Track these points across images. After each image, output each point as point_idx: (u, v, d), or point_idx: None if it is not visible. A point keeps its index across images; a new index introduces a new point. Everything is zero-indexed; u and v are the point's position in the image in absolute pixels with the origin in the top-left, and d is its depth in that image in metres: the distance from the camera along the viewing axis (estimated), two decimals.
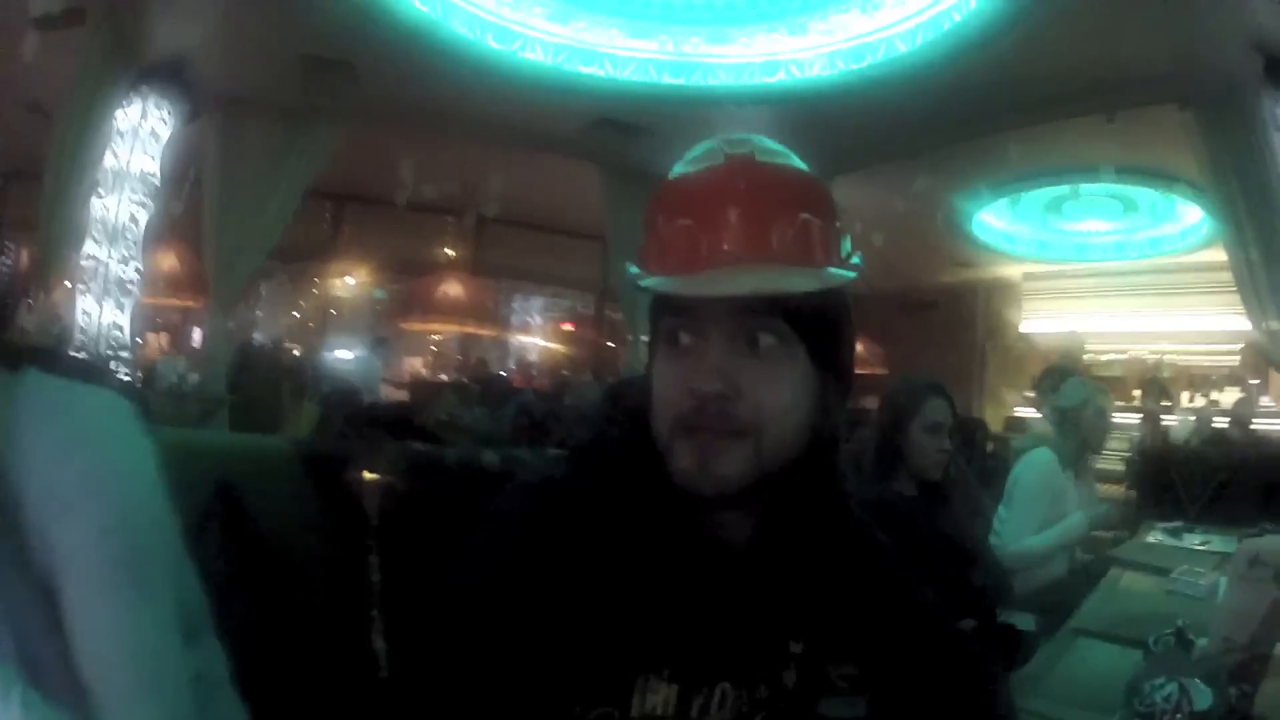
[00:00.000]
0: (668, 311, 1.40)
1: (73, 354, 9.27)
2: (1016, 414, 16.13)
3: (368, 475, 2.17)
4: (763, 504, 1.41)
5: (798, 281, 1.32)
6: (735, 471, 1.33)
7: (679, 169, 1.43)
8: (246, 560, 1.93)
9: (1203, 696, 1.88)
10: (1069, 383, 5.51)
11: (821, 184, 1.44)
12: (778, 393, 1.35)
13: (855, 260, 1.41)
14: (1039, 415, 7.98)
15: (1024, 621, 3.68)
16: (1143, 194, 13.82)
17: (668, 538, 1.38)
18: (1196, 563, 3.96)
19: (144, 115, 10.16)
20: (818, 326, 1.39)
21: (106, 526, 1.34)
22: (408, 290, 17.00)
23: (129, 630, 1.36)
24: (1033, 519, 4.81)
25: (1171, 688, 1.88)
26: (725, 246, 1.31)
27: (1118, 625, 3.00)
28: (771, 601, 1.42)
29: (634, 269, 1.41)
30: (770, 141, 1.42)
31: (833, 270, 1.36)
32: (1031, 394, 16.51)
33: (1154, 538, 5.09)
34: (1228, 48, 8.25)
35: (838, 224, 1.41)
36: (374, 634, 2.10)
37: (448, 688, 1.31)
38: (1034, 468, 4.96)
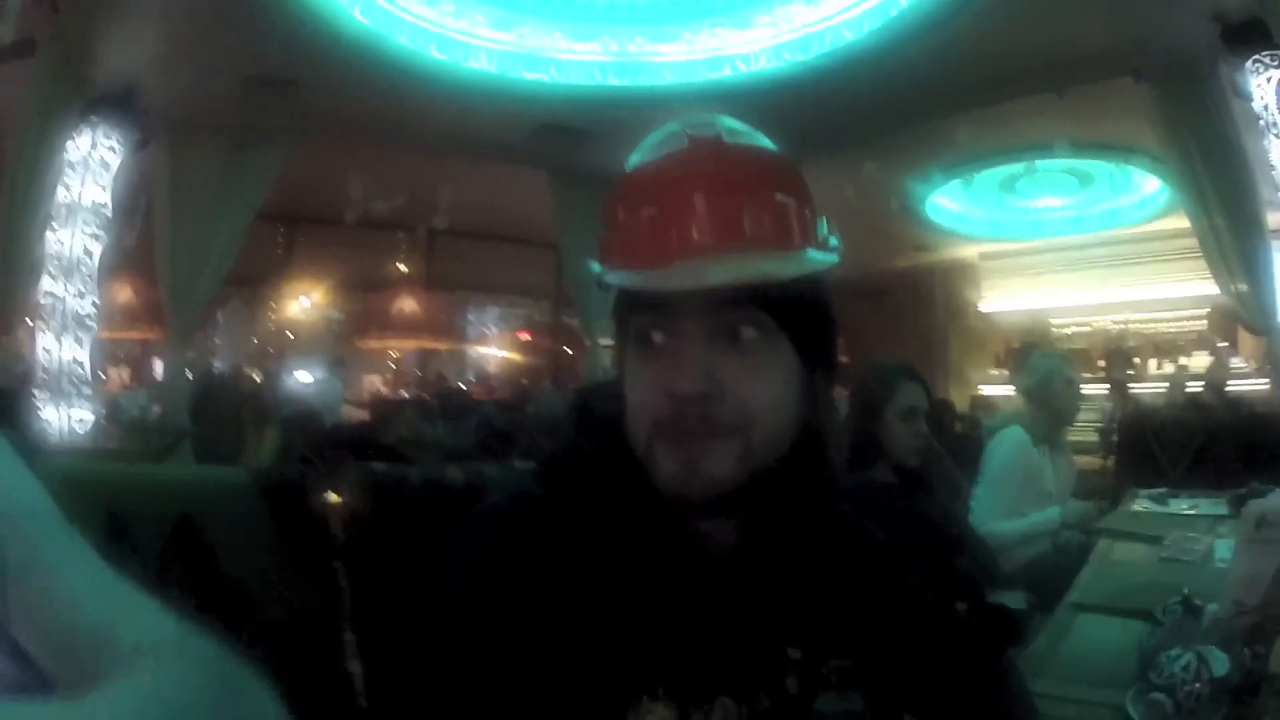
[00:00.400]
0: (637, 309, 1.30)
1: None
2: (982, 393, 16.24)
3: (331, 499, 2.10)
4: (748, 507, 1.30)
5: (778, 267, 1.24)
6: (726, 472, 1.24)
7: (637, 158, 1.33)
8: (211, 596, 1.86)
9: (1219, 663, 1.85)
10: (1034, 357, 5.60)
11: (794, 163, 1.34)
12: (763, 388, 1.26)
13: (834, 242, 1.33)
14: (1014, 394, 8.01)
15: (1014, 600, 3.63)
16: (1098, 167, 13.90)
17: (652, 550, 1.29)
18: (1187, 528, 3.96)
19: (94, 145, 10.07)
20: (800, 315, 1.30)
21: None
22: (363, 309, 16.91)
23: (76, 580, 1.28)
24: (1004, 499, 4.84)
25: (1189, 657, 1.85)
26: (696, 235, 1.21)
27: (1117, 597, 2.96)
28: (764, 608, 1.32)
29: (596, 266, 1.31)
30: (735, 121, 1.33)
31: (813, 254, 1.28)
32: (995, 372, 16.70)
33: (1140, 506, 5.04)
34: (1181, 18, 8.31)
35: (813, 204, 1.32)
36: (349, 660, 2.03)
37: (428, 717, 1.22)
38: (1005, 447, 4.97)
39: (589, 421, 1.42)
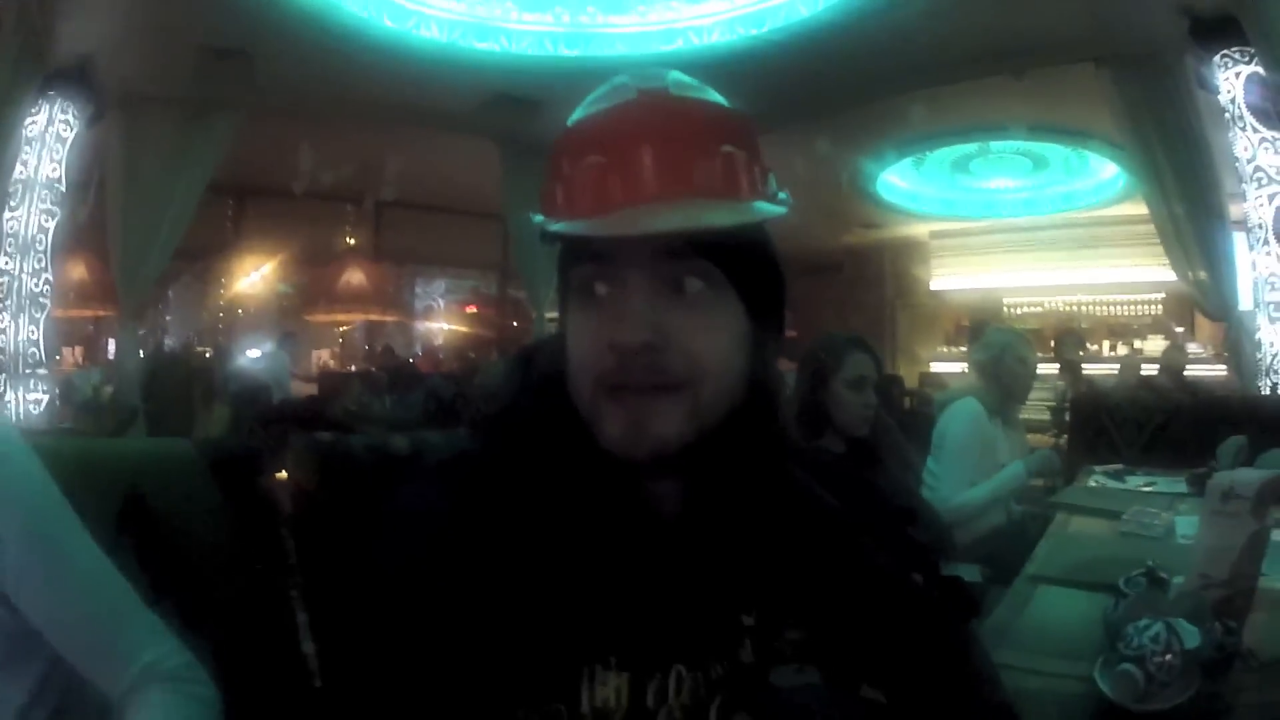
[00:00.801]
0: (580, 261, 1.27)
1: None
2: (931, 370, 16.39)
3: (279, 475, 2.07)
4: (697, 466, 1.27)
5: (722, 216, 1.20)
6: (674, 430, 1.21)
7: (582, 112, 1.30)
8: (162, 573, 1.84)
9: (1190, 635, 1.84)
10: (989, 332, 5.56)
11: (745, 117, 1.30)
12: (710, 340, 1.24)
13: (783, 196, 1.30)
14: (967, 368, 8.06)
15: (969, 573, 3.61)
16: (1054, 150, 14.01)
17: (598, 512, 1.25)
18: (1146, 504, 3.94)
19: (50, 120, 9.96)
20: (748, 267, 1.28)
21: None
22: (311, 282, 16.85)
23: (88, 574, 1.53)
24: (967, 470, 4.83)
25: (1158, 628, 1.83)
26: (642, 182, 1.18)
27: (1077, 570, 2.97)
28: (716, 572, 1.28)
29: (538, 217, 1.27)
30: (685, 76, 1.31)
31: (761, 204, 1.25)
32: (945, 349, 16.83)
33: (1095, 482, 5.08)
34: (1149, 8, 8.38)
35: (763, 160, 1.28)
36: (302, 638, 1.99)
37: (379, 694, 1.18)
38: (961, 418, 4.97)
39: (530, 379, 1.38)
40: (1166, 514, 3.66)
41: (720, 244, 1.21)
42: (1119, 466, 5.26)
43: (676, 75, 1.29)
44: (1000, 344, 5.13)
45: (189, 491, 1.95)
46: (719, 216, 1.19)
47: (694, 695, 1.22)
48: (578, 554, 1.21)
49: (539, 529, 1.20)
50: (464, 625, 1.14)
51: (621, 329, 1.18)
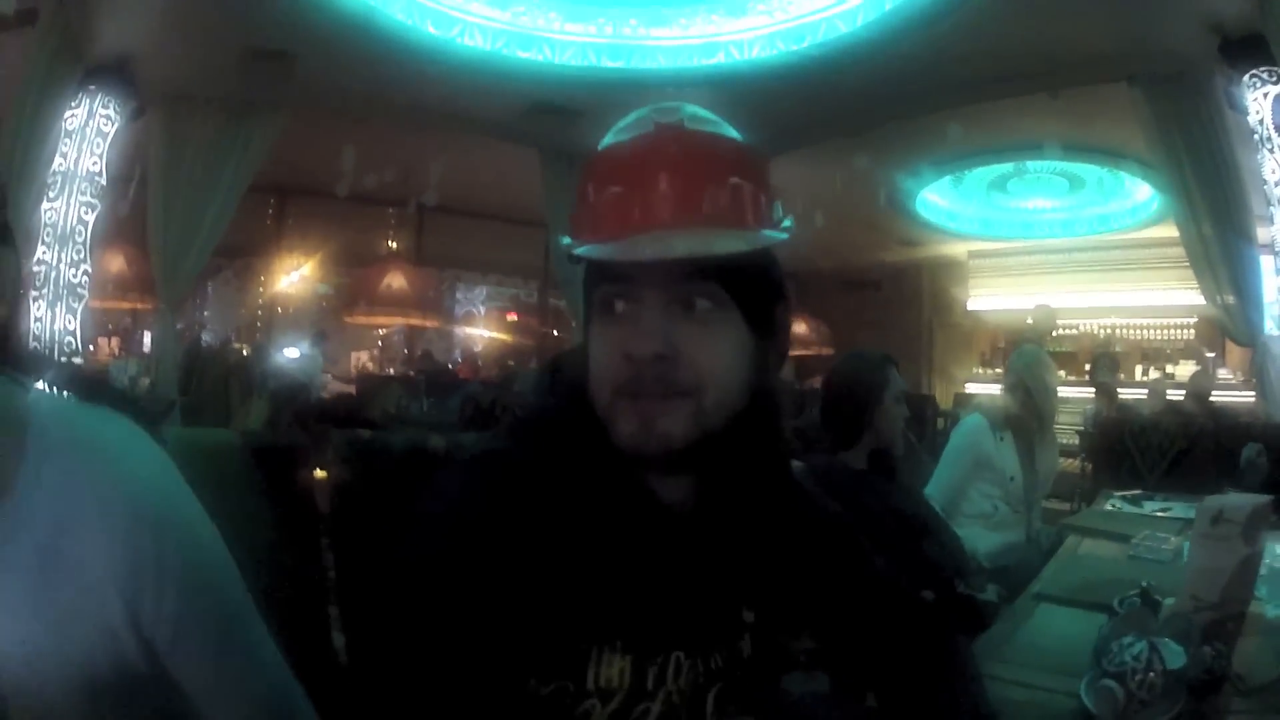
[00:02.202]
0: (603, 280, 1.40)
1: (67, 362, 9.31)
2: (966, 390, 16.30)
3: (318, 473, 2.15)
4: (704, 467, 1.41)
5: (729, 243, 1.33)
6: (679, 430, 1.33)
7: (609, 139, 1.43)
8: None
9: (1174, 656, 1.89)
10: (1015, 353, 5.67)
11: (753, 150, 1.44)
12: (715, 354, 1.36)
13: (787, 224, 1.43)
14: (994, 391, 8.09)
15: (989, 593, 3.69)
16: (1090, 171, 13.94)
17: (612, 505, 1.38)
18: (1158, 529, 3.97)
19: (90, 114, 10.05)
20: (751, 289, 1.41)
21: (220, 592, 1.45)
22: (352, 283, 16.87)
23: (262, 669, 1.50)
24: (947, 475, 5.02)
25: (1141, 646, 1.88)
26: (656, 211, 1.32)
27: (1080, 590, 3.01)
28: (719, 567, 1.42)
29: (566, 240, 1.40)
30: (700, 109, 1.44)
31: (765, 233, 1.38)
32: (980, 369, 16.77)
33: (1112, 506, 5.12)
34: (1179, 27, 8.33)
35: (770, 189, 1.42)
36: (332, 627, 2.09)
37: (402, 668, 1.27)
38: (961, 432, 5.18)
39: (557, 384, 1.52)
40: (1176, 538, 3.69)
41: (726, 268, 1.33)
42: (1137, 492, 5.28)
43: (692, 109, 1.42)
44: (1021, 364, 5.29)
45: (229, 480, 2.00)
46: (724, 244, 1.31)
47: (692, 682, 1.35)
48: (591, 544, 1.33)
49: (556, 520, 1.32)
50: (484, 604, 1.25)
51: (636, 342, 1.32)
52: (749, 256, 1.35)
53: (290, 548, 2.10)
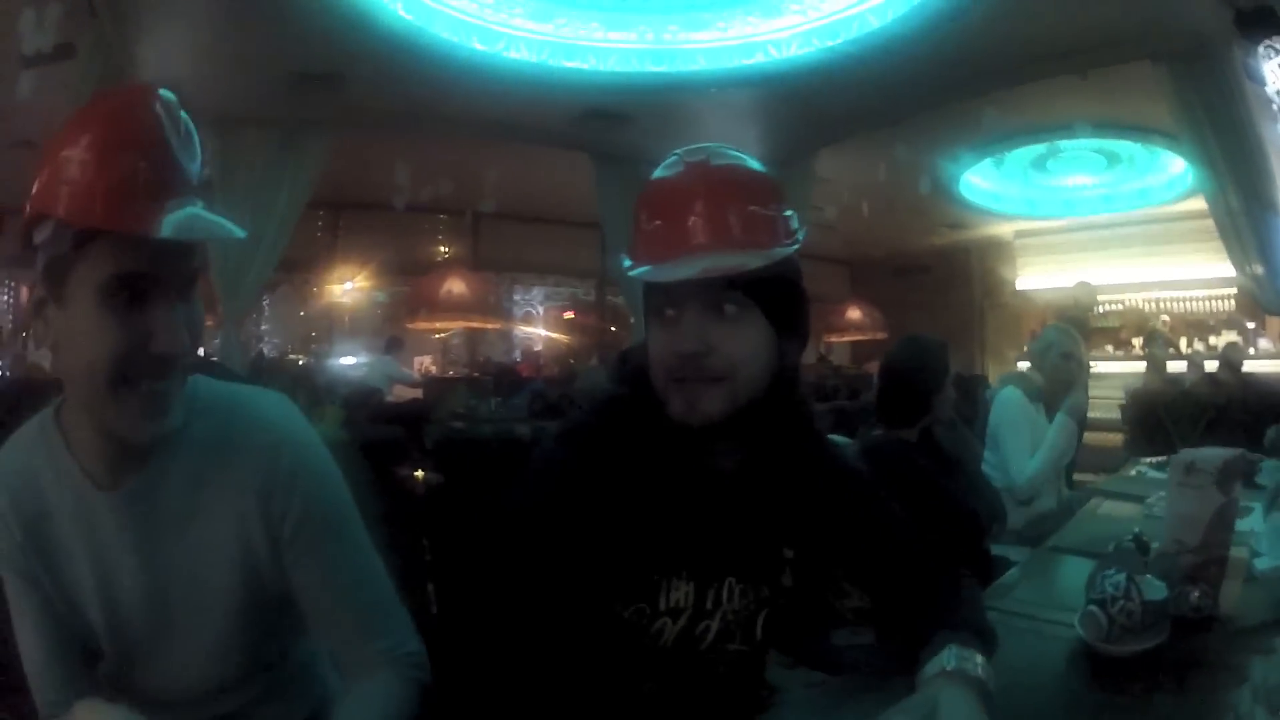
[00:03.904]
0: (654, 291, 1.79)
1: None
2: (1019, 368, 16.32)
3: (417, 474, 2.47)
4: (740, 432, 1.81)
5: (747, 261, 1.69)
6: (717, 409, 1.74)
7: (657, 173, 1.83)
8: None
9: (1155, 589, 2.13)
10: (1045, 329, 5.93)
11: (768, 178, 1.84)
12: (742, 346, 1.75)
13: (799, 235, 1.82)
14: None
15: (1017, 554, 3.99)
16: (1124, 147, 14.01)
17: (671, 464, 1.81)
18: None
19: None
20: (768, 294, 1.78)
21: (337, 505, 1.82)
22: (410, 291, 17.03)
23: (368, 568, 1.84)
24: (1025, 447, 5.13)
25: (1120, 577, 2.12)
26: (687, 238, 1.72)
27: (1094, 543, 3.17)
28: (760, 512, 1.86)
29: (626, 261, 1.80)
30: (726, 147, 1.82)
31: (776, 249, 1.74)
32: (1029, 348, 16.73)
33: (1136, 472, 5.27)
34: (1195, 3, 8.47)
35: (783, 209, 1.81)
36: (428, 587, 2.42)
37: (513, 598, 1.69)
38: (1005, 406, 5.30)
39: (626, 372, 1.93)
40: None
41: (748, 279, 1.70)
42: (1163, 459, 5.37)
43: (717, 147, 1.81)
44: (1046, 341, 5.51)
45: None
46: (744, 262, 1.68)
47: (744, 605, 1.85)
48: (656, 494, 1.78)
49: (629, 476, 1.77)
50: (577, 542, 1.71)
51: (681, 340, 1.73)
52: (766, 268, 1.71)
53: (395, 532, 2.32)
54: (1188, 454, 2.42)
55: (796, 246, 1.81)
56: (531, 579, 1.70)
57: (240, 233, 1.55)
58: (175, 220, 1.44)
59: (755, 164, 1.84)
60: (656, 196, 1.81)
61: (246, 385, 1.85)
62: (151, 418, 1.57)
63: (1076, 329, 5.74)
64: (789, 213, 1.82)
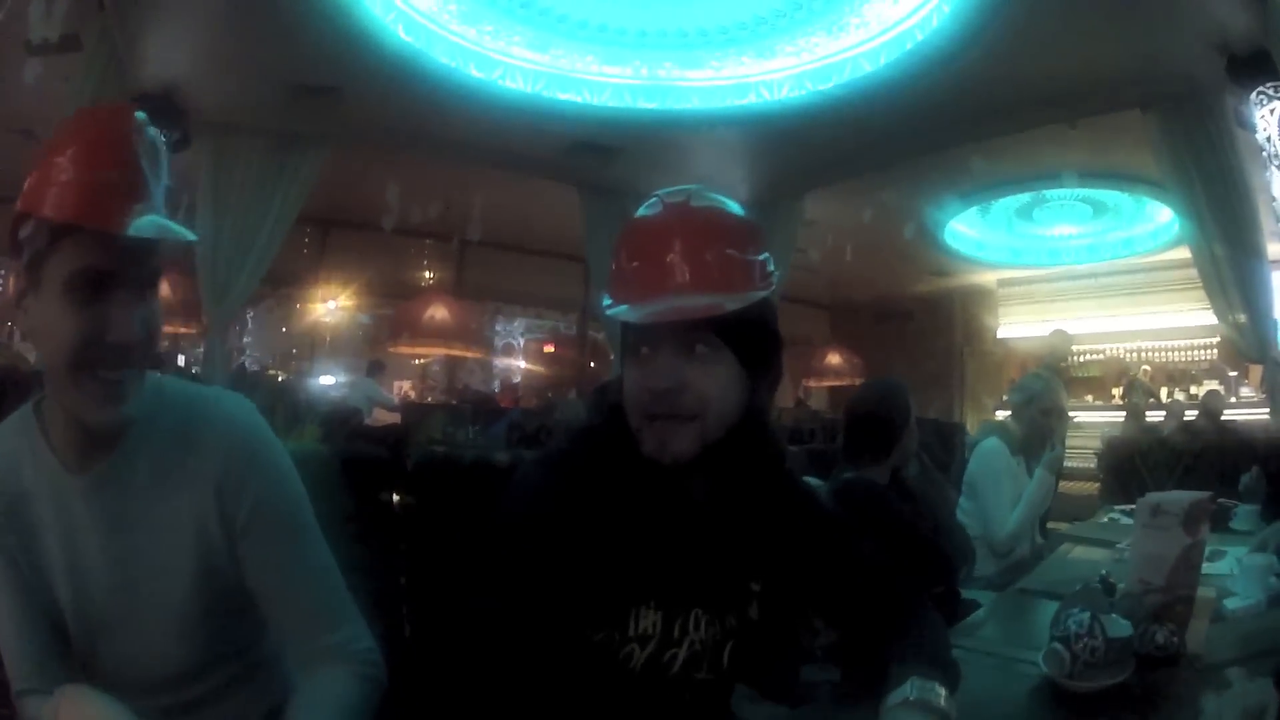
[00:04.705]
0: (630, 329, 1.83)
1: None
2: (997, 417, 16.33)
3: (395, 497, 2.51)
4: (710, 468, 1.84)
5: (715, 303, 1.72)
6: (686, 447, 1.77)
7: (638, 213, 1.86)
8: None
9: (1119, 627, 2.17)
10: (1024, 378, 5.86)
11: (747, 222, 1.87)
12: (713, 385, 1.78)
13: (774, 279, 1.86)
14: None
15: (986, 599, 4.03)
16: (1110, 196, 14.06)
17: (643, 497, 1.82)
18: None
19: None
20: (741, 335, 1.81)
21: (289, 500, 1.90)
22: (394, 314, 17.04)
23: (318, 566, 1.91)
24: (1004, 500, 5.11)
25: (1084, 615, 2.17)
26: (663, 280, 1.74)
27: (1061, 585, 3.21)
28: (728, 545, 1.91)
29: (606, 299, 1.83)
30: (707, 189, 1.86)
31: (749, 293, 1.77)
32: (1008, 397, 16.72)
33: (1108, 518, 5.30)
34: (1187, 49, 8.49)
35: (760, 253, 1.84)
36: (403, 607, 2.45)
37: (486, 618, 1.73)
38: (985, 457, 5.29)
39: (602, 405, 1.94)
40: None
41: (720, 320, 1.73)
42: (1133, 506, 5.38)
43: (698, 189, 1.85)
44: (1029, 392, 5.46)
45: (318, 485, 2.29)
46: (717, 303, 1.72)
47: (711, 634, 1.86)
48: (628, 525, 1.79)
49: (603, 506, 1.78)
50: (550, 568, 1.72)
51: (654, 377, 1.76)
52: (739, 310, 1.74)
53: (370, 550, 2.40)
54: (1154, 497, 2.48)
55: (770, 291, 1.85)
56: (508, 596, 1.72)
57: (192, 236, 1.73)
58: (139, 223, 1.60)
59: (735, 207, 1.87)
60: (635, 237, 1.85)
61: (211, 386, 1.92)
62: (108, 403, 1.70)
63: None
64: (764, 256, 1.86)
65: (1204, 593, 2.56)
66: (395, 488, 2.57)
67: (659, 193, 1.85)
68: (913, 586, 2.01)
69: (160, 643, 1.82)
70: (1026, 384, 5.63)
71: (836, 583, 1.96)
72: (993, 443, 5.35)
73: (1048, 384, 5.55)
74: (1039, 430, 5.38)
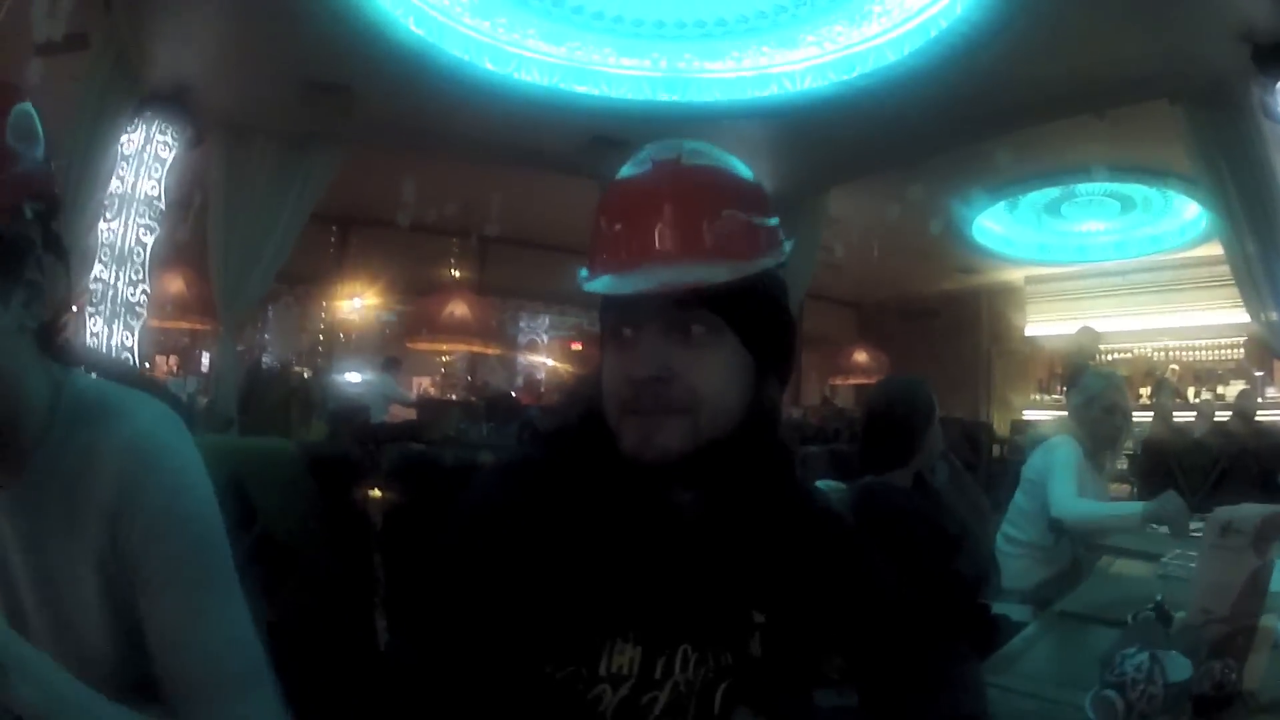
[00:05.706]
0: (612, 309, 1.54)
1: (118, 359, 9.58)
2: (1024, 417, 16.13)
3: (374, 493, 2.28)
4: (704, 475, 1.52)
5: (719, 273, 1.43)
6: (675, 444, 1.45)
7: (622, 171, 1.57)
8: (253, 553, 1.96)
9: (1180, 668, 1.89)
10: (1084, 377, 5.49)
11: (748, 181, 1.57)
12: (709, 375, 1.48)
13: (787, 248, 1.57)
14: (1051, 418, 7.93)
15: (1018, 612, 3.77)
16: (1139, 191, 13.90)
17: (621, 508, 1.50)
18: (1189, 547, 3.90)
19: (148, 140, 10.26)
20: (745, 314, 1.51)
21: (186, 539, 1.54)
22: (415, 311, 16.99)
23: (221, 626, 1.55)
24: (1073, 489, 4.76)
25: (1142, 657, 1.88)
26: (650, 246, 1.46)
27: (1104, 608, 2.98)
28: (725, 568, 1.55)
29: (583, 271, 1.55)
30: (701, 144, 1.55)
31: (760, 260, 1.49)
32: (1037, 396, 16.57)
33: (1148, 527, 5.08)
34: (1213, 39, 8.33)
35: (767, 217, 1.55)
36: (376, 617, 2.22)
37: (433, 652, 1.43)
38: (1058, 448, 4.94)
39: (576, 400, 1.64)
40: None
41: (719, 295, 1.44)
42: None
43: (692, 145, 1.54)
44: (1090, 392, 5.12)
45: (285, 485, 2.10)
46: (714, 274, 1.43)
47: (701, 675, 1.52)
48: (603, 541, 1.48)
49: (572, 518, 1.48)
50: (505, 591, 1.42)
51: (636, 365, 1.46)
52: (743, 283, 1.46)
53: (340, 555, 2.21)
54: (1224, 512, 2.19)
55: (782, 260, 1.56)
56: (436, 639, 1.44)
57: None
58: None
59: (739, 165, 1.58)
60: (619, 197, 1.56)
61: (131, 390, 1.65)
62: None
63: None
64: (773, 221, 1.56)
65: (1265, 621, 2.27)
66: (367, 489, 2.36)
67: (649, 147, 1.55)
68: (940, 613, 1.74)
69: (81, 671, 1.49)
70: (1087, 384, 5.27)
71: (854, 613, 1.65)
72: (1066, 438, 5.01)
73: (1109, 381, 5.25)
74: (1104, 431, 5.07)
